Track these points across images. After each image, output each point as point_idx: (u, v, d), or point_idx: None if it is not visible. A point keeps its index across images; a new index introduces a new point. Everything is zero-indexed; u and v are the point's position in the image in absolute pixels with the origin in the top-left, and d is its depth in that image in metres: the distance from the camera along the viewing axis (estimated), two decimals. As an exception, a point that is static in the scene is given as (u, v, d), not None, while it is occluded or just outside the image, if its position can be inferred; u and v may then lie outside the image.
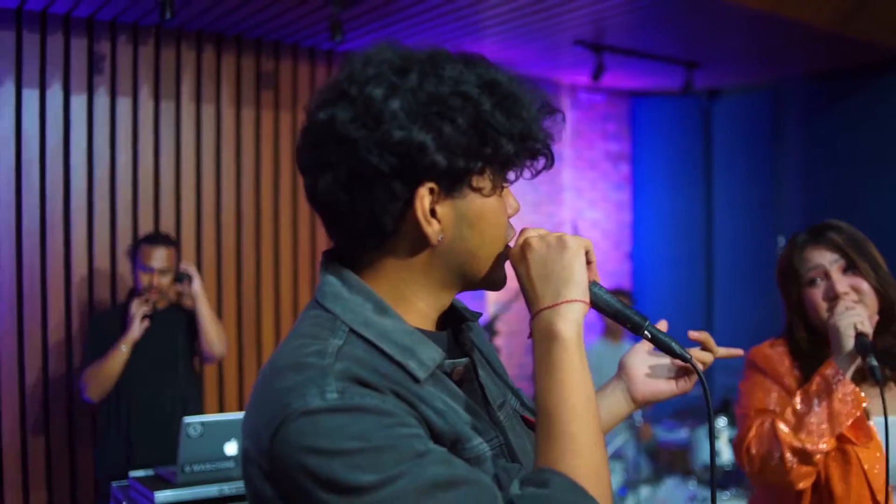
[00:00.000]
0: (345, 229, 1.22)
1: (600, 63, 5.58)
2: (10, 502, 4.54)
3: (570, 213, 6.80)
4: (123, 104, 4.93)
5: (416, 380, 1.16)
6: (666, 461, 6.04)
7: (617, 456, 5.44)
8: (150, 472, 3.60)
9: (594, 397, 1.18)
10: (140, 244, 4.23)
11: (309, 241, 5.43)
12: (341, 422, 1.06)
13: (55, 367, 4.68)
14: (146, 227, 4.88)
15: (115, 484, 3.64)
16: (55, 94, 4.74)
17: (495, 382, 1.37)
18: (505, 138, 1.16)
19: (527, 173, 1.24)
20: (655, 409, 6.07)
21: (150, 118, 5.01)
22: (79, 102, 4.80)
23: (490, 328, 4.64)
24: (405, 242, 1.20)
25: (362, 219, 1.18)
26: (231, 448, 3.48)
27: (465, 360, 1.28)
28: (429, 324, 1.27)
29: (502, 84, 1.17)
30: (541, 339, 1.21)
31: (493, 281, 1.28)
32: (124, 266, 4.79)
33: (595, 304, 1.28)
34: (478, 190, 1.19)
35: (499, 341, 5.62)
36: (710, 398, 1.34)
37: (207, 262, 5.14)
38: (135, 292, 4.19)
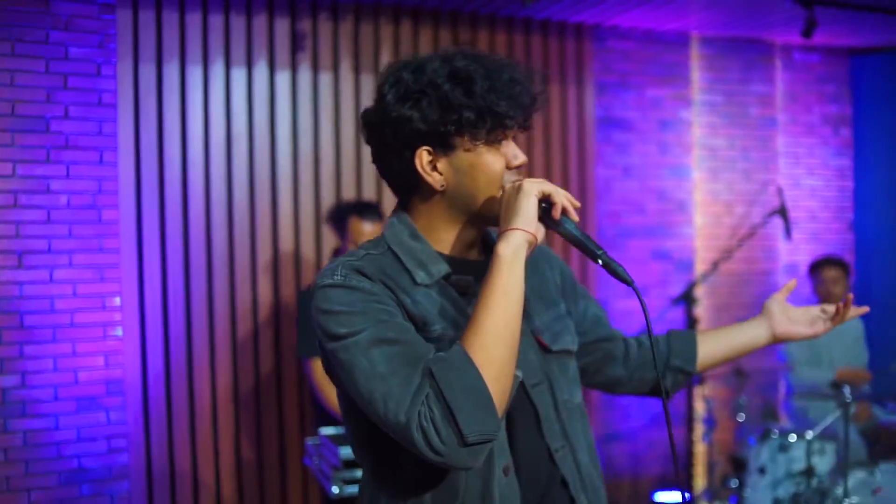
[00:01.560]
0: (392, 185, 1.79)
1: (812, 18, 5.25)
2: (223, 448, 4.87)
3: (786, 181, 6.47)
4: (325, 79, 5.12)
5: (414, 282, 1.68)
6: (887, 444, 5.66)
7: (828, 436, 5.16)
8: (339, 430, 3.75)
9: (514, 302, 1.55)
10: (350, 214, 4.31)
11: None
12: (338, 293, 1.61)
13: (264, 334, 4.96)
14: (349, 197, 5.06)
15: (308, 440, 3.82)
16: (261, 71, 4.99)
17: None
18: (464, 108, 1.61)
19: (511, 130, 1.68)
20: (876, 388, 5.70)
21: (351, 92, 5.18)
22: (283, 79, 5.03)
23: (688, 296, 4.51)
24: (425, 191, 1.72)
25: (395, 177, 1.76)
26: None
27: (469, 277, 1.72)
28: (457, 249, 1.75)
29: (461, 71, 1.64)
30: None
31: (489, 214, 1.70)
32: (330, 238, 4.99)
33: (559, 233, 1.64)
34: (462, 147, 1.66)
35: (698, 311, 5.45)
36: (647, 312, 1.65)
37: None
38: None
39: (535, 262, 1.91)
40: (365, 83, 5.20)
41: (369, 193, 5.13)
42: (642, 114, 5.74)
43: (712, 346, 2.07)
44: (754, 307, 5.93)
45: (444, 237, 1.75)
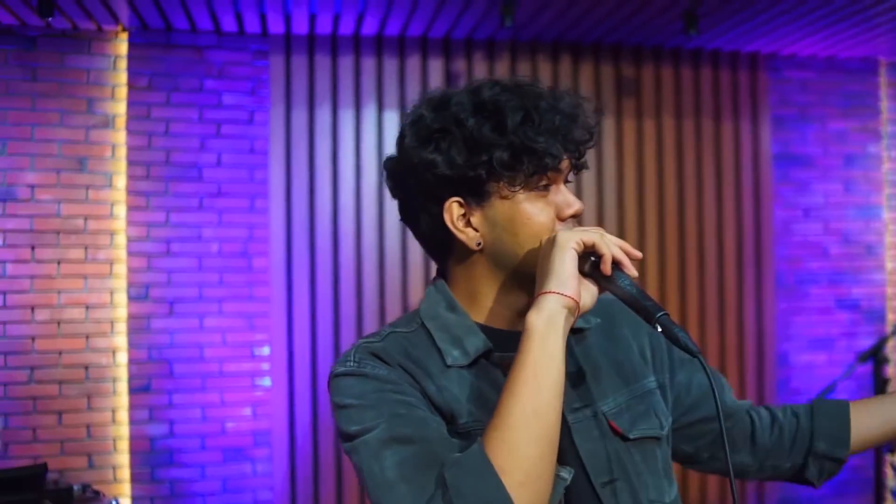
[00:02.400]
0: (425, 247, 1.52)
1: None
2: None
3: None
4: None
5: (444, 364, 1.40)
6: None
7: None
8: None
9: (547, 386, 1.26)
10: None
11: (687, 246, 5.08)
12: (350, 383, 1.37)
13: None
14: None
15: None
16: (414, 113, 4.84)
17: (584, 385, 1.47)
18: (494, 148, 1.34)
19: (558, 173, 1.39)
20: None
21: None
22: (436, 121, 4.86)
23: (877, 352, 4.02)
24: (461, 252, 1.44)
25: (426, 237, 1.47)
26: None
27: (514, 354, 1.31)
28: (505, 320, 1.44)
29: (488, 102, 1.36)
30: None
31: None
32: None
33: (612, 292, 1.34)
34: (499, 195, 1.37)
35: (890, 370, 4.89)
36: (717, 394, 1.33)
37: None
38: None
39: (613, 323, 1.58)
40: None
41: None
42: (824, 149, 5.26)
43: (871, 421, 1.63)
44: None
45: (488, 305, 1.46)
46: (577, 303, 1.32)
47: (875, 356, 3.92)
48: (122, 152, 4.52)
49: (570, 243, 1.32)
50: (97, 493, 3.95)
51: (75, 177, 4.47)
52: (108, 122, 4.53)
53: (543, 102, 1.37)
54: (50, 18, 3.85)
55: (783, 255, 5.18)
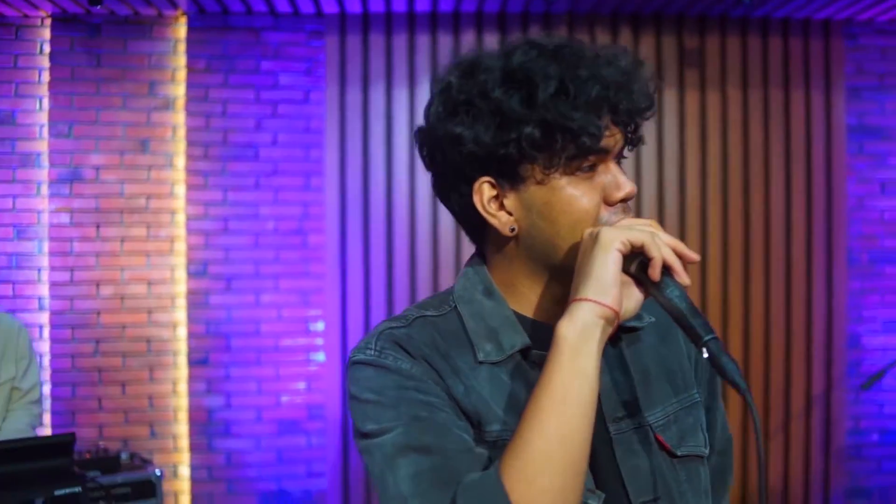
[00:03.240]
0: (463, 226, 1.35)
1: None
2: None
3: None
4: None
5: (476, 359, 1.25)
6: None
7: None
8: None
9: (576, 409, 1.12)
10: None
11: (743, 224, 4.92)
12: (369, 374, 1.23)
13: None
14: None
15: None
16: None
17: (630, 392, 1.32)
18: (523, 123, 1.16)
19: (600, 155, 1.20)
20: None
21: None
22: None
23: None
24: (495, 236, 1.28)
25: (460, 217, 1.31)
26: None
27: None
28: (545, 312, 1.28)
29: (518, 71, 1.18)
30: None
31: None
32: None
33: (658, 302, 1.18)
34: (534, 177, 1.20)
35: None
36: (760, 430, 1.13)
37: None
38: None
39: (666, 325, 1.37)
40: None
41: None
42: (905, 120, 4.99)
43: None
44: None
45: (528, 294, 1.29)
46: (617, 313, 1.17)
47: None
48: (182, 133, 4.67)
49: (615, 243, 1.16)
50: (144, 460, 4.12)
51: (138, 158, 4.65)
52: (168, 105, 4.68)
53: (584, 70, 1.18)
54: (98, 7, 4.01)
55: (857, 233, 4.95)
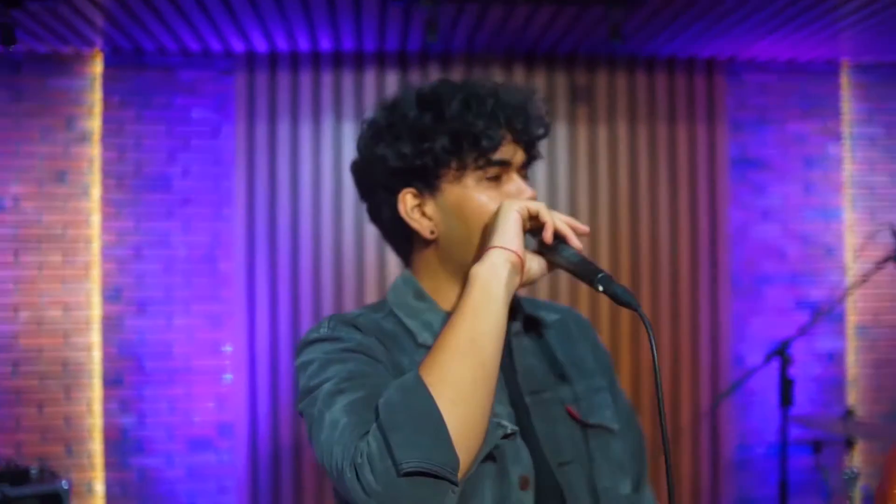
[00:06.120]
0: (390, 242, 1.61)
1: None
2: (327, 490, 5.01)
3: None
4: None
5: (416, 343, 1.45)
6: None
7: None
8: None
9: (484, 322, 1.26)
10: None
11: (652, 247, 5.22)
12: (322, 346, 1.38)
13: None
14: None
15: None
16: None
17: (544, 372, 1.54)
18: (435, 134, 1.41)
19: (503, 166, 1.46)
20: None
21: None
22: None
23: (782, 353, 4.07)
24: (419, 242, 1.52)
25: (389, 231, 1.57)
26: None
27: None
28: None
29: (428, 95, 1.46)
30: None
31: None
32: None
33: (554, 261, 1.40)
34: (448, 183, 1.44)
35: (852, 370, 4.93)
36: (654, 346, 1.29)
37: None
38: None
39: (570, 331, 1.66)
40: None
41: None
42: (784, 151, 5.31)
43: None
44: (920, 363, 5.31)
45: (449, 296, 1.51)
46: (521, 259, 1.34)
47: (780, 356, 4.01)
48: (98, 165, 4.91)
49: (514, 205, 1.37)
50: (54, 474, 4.34)
51: (55, 188, 4.89)
52: (85, 138, 4.93)
53: (482, 91, 1.45)
54: (12, 47, 4.25)
55: (739, 257, 5.26)
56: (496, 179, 1.44)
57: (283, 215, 5.04)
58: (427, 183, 1.45)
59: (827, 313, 4.64)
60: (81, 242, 4.90)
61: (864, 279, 4.17)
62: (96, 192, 4.92)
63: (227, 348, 4.96)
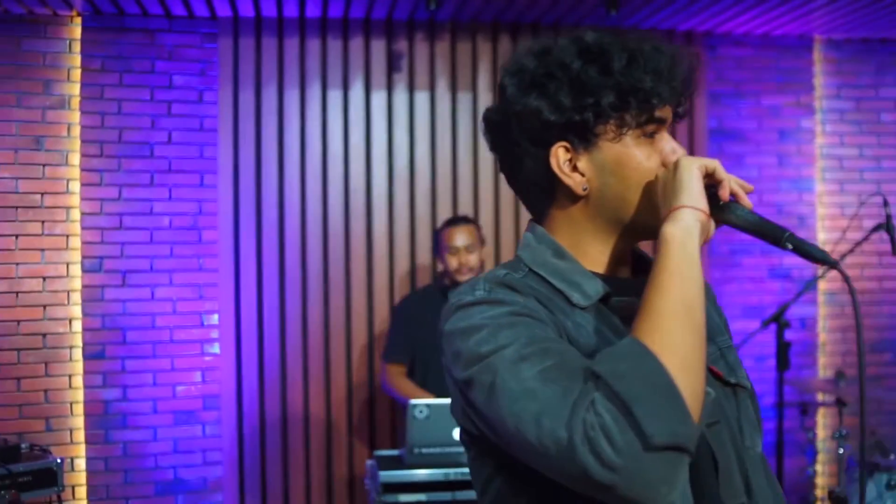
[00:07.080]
0: (525, 197, 1.50)
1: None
2: (314, 462, 4.97)
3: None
4: (421, 98, 5.14)
5: (571, 304, 1.36)
6: None
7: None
8: (394, 452, 3.74)
9: (691, 286, 1.23)
10: (442, 229, 4.43)
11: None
12: (481, 309, 1.30)
13: (357, 350, 5.03)
14: (444, 215, 5.04)
15: (368, 461, 3.83)
16: (357, 92, 5.07)
17: None
18: (601, 89, 1.33)
19: (660, 123, 1.38)
20: None
21: (448, 111, 5.17)
22: (379, 99, 5.09)
23: (779, 318, 4.19)
24: (565, 198, 1.42)
25: (528, 185, 1.46)
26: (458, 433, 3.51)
27: (635, 299, 1.30)
28: (607, 268, 1.43)
29: (593, 46, 1.36)
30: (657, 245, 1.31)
31: (644, 224, 1.39)
32: (423, 254, 5.04)
33: (730, 221, 1.35)
34: (607, 139, 1.36)
35: (821, 335, 5.10)
36: (857, 303, 1.29)
37: (505, 248, 5.20)
38: (445, 275, 4.38)
39: None
40: (462, 102, 5.18)
41: (465, 211, 5.10)
42: (759, 124, 5.44)
43: None
44: (888, 329, 5.51)
45: (593, 253, 1.44)
46: (709, 218, 1.32)
47: (777, 321, 4.12)
48: (77, 131, 4.76)
49: (695, 163, 1.32)
50: (44, 450, 4.20)
51: (32, 155, 4.71)
52: (63, 103, 4.76)
53: (647, 45, 1.38)
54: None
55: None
56: (650, 136, 1.40)
57: (269, 184, 4.97)
58: (583, 137, 1.38)
59: (821, 278, 4.78)
60: (60, 211, 4.74)
61: (851, 249, 4.31)
62: (76, 159, 4.76)
63: (214, 319, 4.87)
